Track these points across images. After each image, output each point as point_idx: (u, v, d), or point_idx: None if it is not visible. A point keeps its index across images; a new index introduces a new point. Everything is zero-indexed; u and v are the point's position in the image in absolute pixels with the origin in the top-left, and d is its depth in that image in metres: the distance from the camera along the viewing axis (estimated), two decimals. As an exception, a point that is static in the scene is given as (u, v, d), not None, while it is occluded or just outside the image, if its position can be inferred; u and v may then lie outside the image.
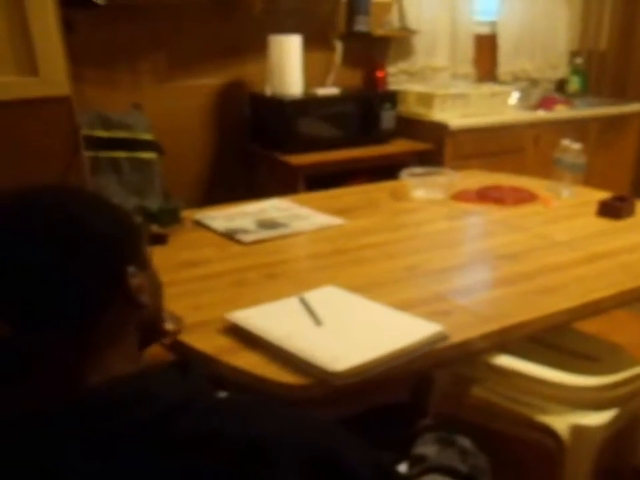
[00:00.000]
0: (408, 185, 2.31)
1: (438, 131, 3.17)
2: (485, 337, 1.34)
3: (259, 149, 3.15)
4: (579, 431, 1.38)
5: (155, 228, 1.92)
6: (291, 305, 1.42)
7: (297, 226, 1.99)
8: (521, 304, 1.45)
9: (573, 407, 1.35)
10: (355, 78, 3.53)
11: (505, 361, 1.35)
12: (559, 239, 1.84)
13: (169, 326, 1.03)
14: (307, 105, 3.02)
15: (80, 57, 2.72)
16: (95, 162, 2.47)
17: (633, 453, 1.81)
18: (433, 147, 3.15)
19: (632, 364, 1.45)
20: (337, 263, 1.71)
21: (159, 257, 1.67)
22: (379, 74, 3.45)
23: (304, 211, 2.14)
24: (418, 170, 2.33)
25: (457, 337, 1.30)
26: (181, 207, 2.04)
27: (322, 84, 3.38)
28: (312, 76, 3.28)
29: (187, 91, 3.12)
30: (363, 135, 3.15)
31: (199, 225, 2.02)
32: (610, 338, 1.99)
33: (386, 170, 2.34)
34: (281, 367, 1.21)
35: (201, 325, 1.37)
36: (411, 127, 3.30)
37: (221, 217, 2.07)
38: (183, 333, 1.25)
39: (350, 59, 3.51)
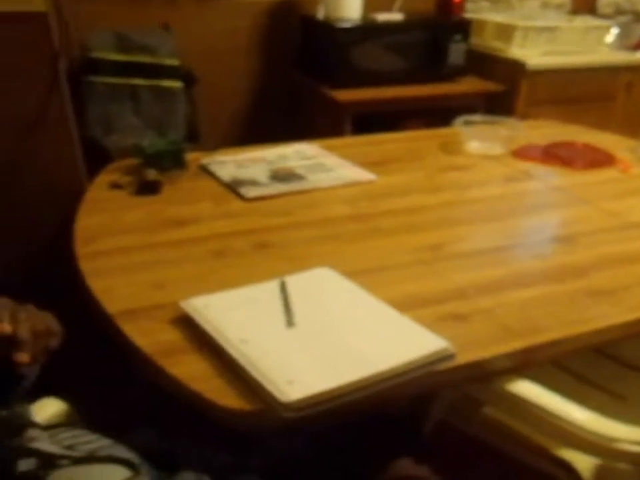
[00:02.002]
0: (461, 135, 1.94)
1: (512, 70, 2.74)
2: (503, 357, 1.02)
3: (306, 80, 2.80)
4: (605, 474, 1.06)
5: (151, 173, 1.64)
6: (267, 292, 1.14)
7: (316, 180, 1.68)
8: (561, 312, 1.12)
9: (606, 459, 1.02)
10: (427, 2, 3.11)
11: (526, 390, 1.02)
12: (634, 219, 1.47)
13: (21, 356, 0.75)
14: (362, 31, 2.63)
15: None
16: (110, 89, 2.19)
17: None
18: (505, 88, 2.72)
19: None
20: (348, 234, 1.40)
21: (143, 209, 1.45)
22: (456, -1, 3.03)
23: (332, 160, 1.83)
24: (475, 117, 1.96)
25: (466, 356, 0.99)
26: (184, 148, 1.75)
27: (388, 8, 2.98)
28: (377, -1, 2.89)
29: (231, 9, 2.78)
30: (425, 71, 2.75)
31: (205, 171, 1.73)
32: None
33: (448, 113, 1.98)
34: (229, 383, 0.94)
35: (153, 310, 1.11)
36: (482, 64, 2.88)
37: (232, 163, 1.78)
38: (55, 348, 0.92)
39: (424, -20, 3.09)
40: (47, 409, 1.02)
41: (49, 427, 0.84)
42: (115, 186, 1.61)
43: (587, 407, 1.15)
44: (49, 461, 0.60)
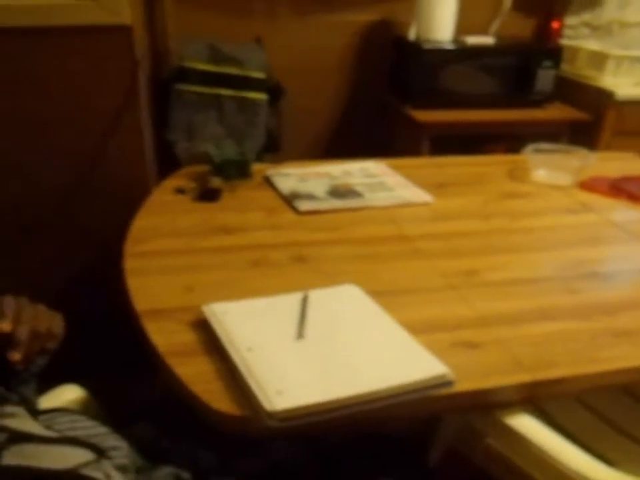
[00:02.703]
0: (530, 163, 1.93)
1: (600, 99, 2.66)
2: (506, 389, 1.03)
3: (392, 100, 2.82)
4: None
5: (214, 180, 1.72)
6: (287, 303, 1.19)
7: (372, 198, 1.71)
8: (578, 349, 1.10)
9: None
10: (525, 28, 3.07)
11: (525, 425, 1.02)
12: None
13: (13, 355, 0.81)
14: (449, 53, 2.64)
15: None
16: (197, 97, 2.30)
17: None
18: (592, 118, 2.66)
19: None
20: (386, 254, 1.43)
21: (198, 215, 1.52)
22: (555, 25, 2.98)
23: (394, 180, 1.85)
24: (546, 146, 1.94)
25: (467, 384, 1.00)
26: (251, 159, 1.82)
27: (484, 31, 2.96)
28: (473, 21, 2.88)
29: (326, 27, 2.84)
30: (510, 95, 2.72)
31: (268, 182, 1.80)
32: None
33: (531, 140, 1.95)
34: (227, 388, 0.98)
35: (178, 312, 1.17)
36: (570, 91, 2.81)
37: (294, 176, 1.83)
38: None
39: (523, 4, 3.05)
40: (65, 394, 1.10)
41: (49, 411, 0.91)
42: (179, 191, 1.69)
43: (602, 448, 1.13)
44: (17, 438, 0.66)
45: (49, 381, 1.15)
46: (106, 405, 1.14)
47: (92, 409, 1.11)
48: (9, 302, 0.85)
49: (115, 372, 1.60)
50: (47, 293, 1.57)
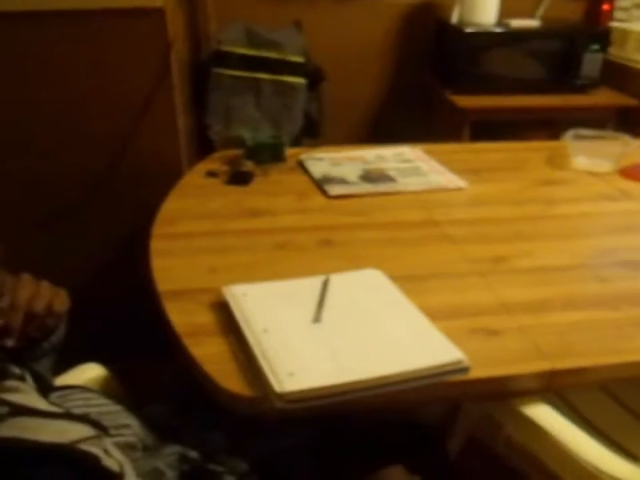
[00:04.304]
0: (569, 149, 1.88)
1: (648, 84, 2.58)
2: (523, 377, 1.00)
3: (434, 85, 2.78)
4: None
5: (247, 164, 1.72)
6: (308, 287, 1.18)
7: (406, 183, 1.69)
8: (602, 339, 1.07)
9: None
10: (574, 11, 2.99)
11: (542, 414, 1.00)
12: None
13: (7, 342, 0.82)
14: (491, 37, 2.58)
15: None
16: (235, 81, 2.30)
17: None
18: (639, 104, 2.57)
19: None
20: (414, 239, 1.41)
21: (229, 198, 1.52)
22: (605, 7, 2.89)
23: (429, 165, 1.83)
24: (586, 132, 1.89)
25: (483, 370, 0.98)
26: (284, 143, 1.82)
27: (530, 15, 2.90)
28: (518, 5, 2.81)
29: (367, 10, 2.81)
30: (555, 80, 2.65)
31: (301, 166, 1.79)
32: None
33: (575, 126, 1.90)
34: (240, 369, 0.98)
35: (199, 293, 1.18)
36: (617, 75, 2.73)
37: (328, 160, 1.82)
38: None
39: (573, -14, 2.97)
40: (86, 372, 1.12)
41: (64, 387, 0.93)
42: (211, 174, 1.70)
43: (627, 442, 1.10)
44: (18, 412, 0.67)
45: (78, 359, 1.18)
46: (128, 385, 1.15)
47: (112, 388, 1.12)
48: (5, 282, 0.86)
49: (144, 353, 1.62)
50: (76, 276, 1.60)
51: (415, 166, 1.82)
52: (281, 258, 1.32)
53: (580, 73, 2.61)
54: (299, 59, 2.36)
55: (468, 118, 2.47)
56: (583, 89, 2.65)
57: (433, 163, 1.84)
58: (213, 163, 1.79)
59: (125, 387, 1.18)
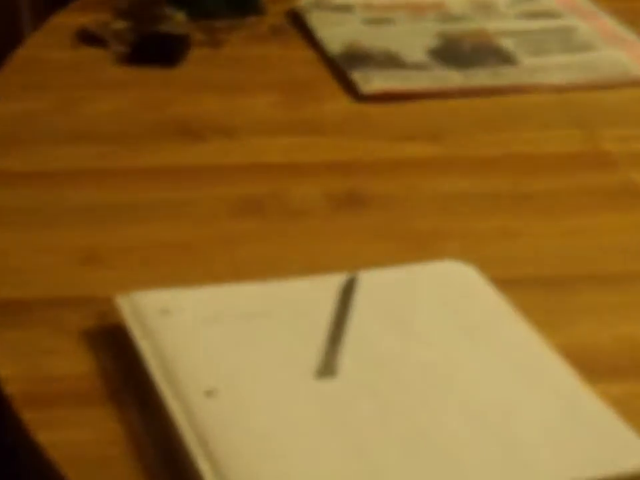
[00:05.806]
0: None
1: None
2: None
3: None
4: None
5: (177, 17, 0.93)
6: (308, 297, 0.51)
7: (538, 67, 0.87)
8: None
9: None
10: None
11: None
12: None
13: None
14: None
15: None
16: None
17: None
18: None
19: None
20: (547, 195, 0.66)
21: (132, 94, 0.82)
22: None
23: (596, 24, 0.94)
24: None
25: None
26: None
27: None
28: None
29: None
30: None
31: (298, 26, 0.96)
32: None
33: None
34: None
35: (59, 308, 0.50)
36: None
37: (360, 11, 1.02)
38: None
39: None
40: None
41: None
42: (88, 37, 0.92)
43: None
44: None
45: None
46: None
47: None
48: None
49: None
50: None
51: (563, 25, 0.94)
52: (248, 233, 0.64)
53: None
54: None
55: None
56: None
57: (605, 21, 0.95)
58: (86, 13, 0.97)
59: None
